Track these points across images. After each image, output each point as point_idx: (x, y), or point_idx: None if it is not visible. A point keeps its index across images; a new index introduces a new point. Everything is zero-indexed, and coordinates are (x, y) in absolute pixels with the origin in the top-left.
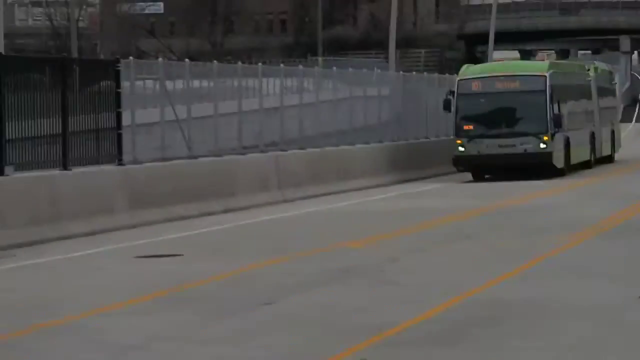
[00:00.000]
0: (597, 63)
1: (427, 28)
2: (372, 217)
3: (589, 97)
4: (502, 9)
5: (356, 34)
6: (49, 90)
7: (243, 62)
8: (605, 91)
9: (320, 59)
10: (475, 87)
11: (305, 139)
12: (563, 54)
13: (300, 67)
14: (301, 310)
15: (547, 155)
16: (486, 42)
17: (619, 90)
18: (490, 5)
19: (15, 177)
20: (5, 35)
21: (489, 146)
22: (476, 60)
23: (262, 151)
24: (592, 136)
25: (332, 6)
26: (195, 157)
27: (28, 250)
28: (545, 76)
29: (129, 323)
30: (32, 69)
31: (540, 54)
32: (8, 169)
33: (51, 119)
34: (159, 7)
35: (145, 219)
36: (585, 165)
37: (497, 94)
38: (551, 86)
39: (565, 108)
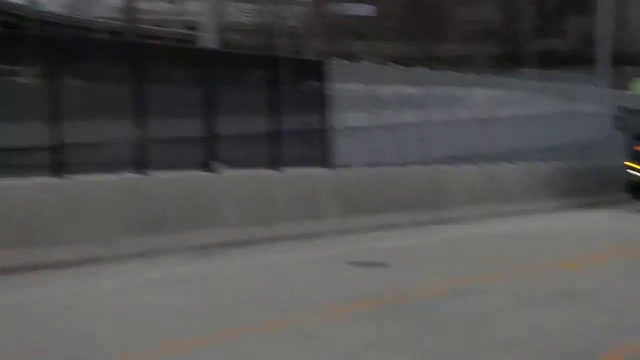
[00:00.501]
0: None
1: (638, 44)
2: (572, 238)
3: None
4: None
5: (566, 48)
6: (261, 87)
7: (451, 70)
8: None
9: (528, 70)
10: None
11: (517, 152)
12: None
13: (513, 79)
14: (516, 331)
15: None
16: None
17: None
18: None
19: (228, 175)
20: (217, 30)
21: None
22: None
23: (472, 163)
24: None
25: (544, 18)
26: (406, 165)
27: (241, 249)
28: None
29: (334, 330)
30: (244, 66)
31: None
32: (220, 166)
33: (261, 118)
34: (370, 9)
35: (356, 224)
36: None
37: None
38: None
39: None
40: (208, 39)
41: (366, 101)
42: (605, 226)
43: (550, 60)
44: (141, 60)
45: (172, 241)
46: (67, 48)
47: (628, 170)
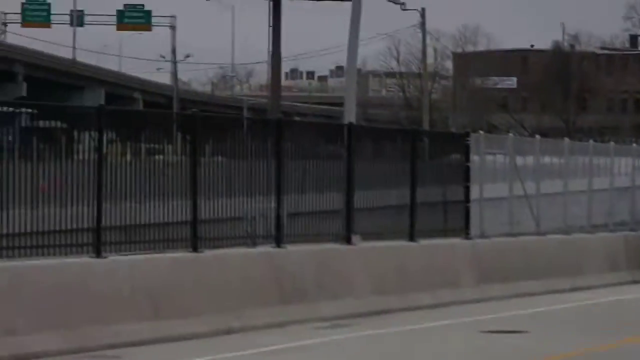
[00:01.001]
0: None
1: None
2: None
3: None
4: None
5: None
6: (398, 160)
7: (595, 140)
8: None
9: None
10: None
11: None
12: None
13: None
14: None
15: None
16: None
17: None
18: None
19: (362, 247)
20: (358, 105)
21: None
22: None
23: (611, 230)
24: None
25: None
26: (543, 234)
27: (372, 320)
28: None
29: None
30: (382, 139)
31: None
32: (355, 239)
33: (400, 190)
34: (513, 82)
35: (490, 293)
36: None
37: None
38: None
39: None
40: (350, 114)
41: (506, 172)
42: None
43: None
44: (280, 136)
45: (309, 312)
46: (207, 126)
47: None
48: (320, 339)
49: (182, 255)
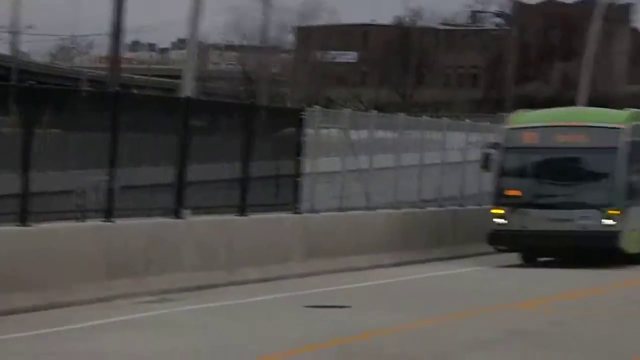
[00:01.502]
0: None
1: (620, 89)
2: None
3: None
4: None
5: (547, 92)
6: (233, 134)
7: (431, 115)
8: None
9: (507, 115)
10: (529, 139)
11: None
12: None
13: (488, 123)
14: None
15: (612, 236)
16: None
17: None
18: None
19: (192, 221)
20: (198, 78)
21: (538, 220)
22: None
23: (440, 205)
24: None
25: (526, 63)
26: (373, 209)
27: (200, 294)
28: (621, 129)
29: None
30: (218, 113)
31: None
32: (185, 213)
33: (232, 163)
34: (353, 56)
35: (319, 268)
36: None
37: (556, 150)
38: (629, 143)
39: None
40: (188, 87)
41: (340, 147)
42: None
43: (531, 104)
44: (116, 109)
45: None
46: (43, 98)
47: (494, 219)
48: (146, 313)
49: (9, 228)
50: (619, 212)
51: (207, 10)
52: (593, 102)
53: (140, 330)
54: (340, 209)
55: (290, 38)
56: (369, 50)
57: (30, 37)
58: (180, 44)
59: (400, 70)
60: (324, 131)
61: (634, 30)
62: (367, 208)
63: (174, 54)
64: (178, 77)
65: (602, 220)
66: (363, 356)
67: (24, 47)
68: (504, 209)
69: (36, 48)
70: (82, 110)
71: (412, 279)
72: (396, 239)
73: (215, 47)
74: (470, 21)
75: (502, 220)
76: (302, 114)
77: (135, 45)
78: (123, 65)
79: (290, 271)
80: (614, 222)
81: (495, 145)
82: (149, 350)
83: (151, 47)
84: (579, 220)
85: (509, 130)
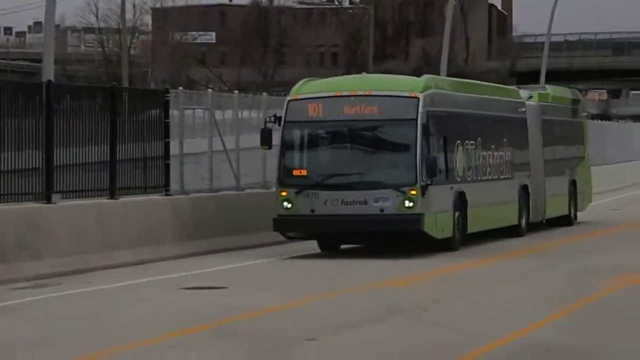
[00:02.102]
0: (550, 88)
1: (478, 64)
2: None
3: (520, 134)
4: (555, 47)
5: (408, 69)
6: (98, 118)
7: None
8: (563, 127)
9: None
10: (314, 111)
11: None
12: (615, 94)
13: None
14: (345, 347)
15: (413, 220)
16: (538, 80)
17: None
18: (542, 43)
19: (63, 205)
20: (57, 62)
21: (330, 202)
22: None
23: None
24: (524, 190)
25: (385, 40)
26: (242, 189)
27: (75, 279)
28: (418, 98)
29: (167, 357)
30: (81, 97)
31: (591, 94)
32: (55, 197)
33: (99, 147)
34: (211, 37)
35: (190, 250)
36: (513, 231)
37: (344, 123)
38: (428, 114)
39: (460, 148)
40: (49, 71)
41: (206, 128)
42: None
43: None
44: None
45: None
46: None
47: (282, 202)
48: (20, 299)
49: None
50: (419, 192)
51: None
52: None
53: (10, 317)
54: (210, 190)
55: (147, 19)
56: (227, 31)
57: None
58: (37, 27)
59: (261, 50)
60: (189, 112)
61: (491, 5)
62: (237, 189)
63: (30, 38)
64: (37, 60)
65: (405, 202)
66: (241, 337)
67: None
68: (288, 191)
69: None
70: None
71: (288, 257)
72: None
73: (73, 29)
74: (326, 0)
75: (287, 204)
76: (166, 96)
77: None
78: None
79: (163, 254)
80: (414, 204)
81: (276, 119)
82: (16, 338)
83: (7, 30)
84: (375, 203)
85: (291, 102)
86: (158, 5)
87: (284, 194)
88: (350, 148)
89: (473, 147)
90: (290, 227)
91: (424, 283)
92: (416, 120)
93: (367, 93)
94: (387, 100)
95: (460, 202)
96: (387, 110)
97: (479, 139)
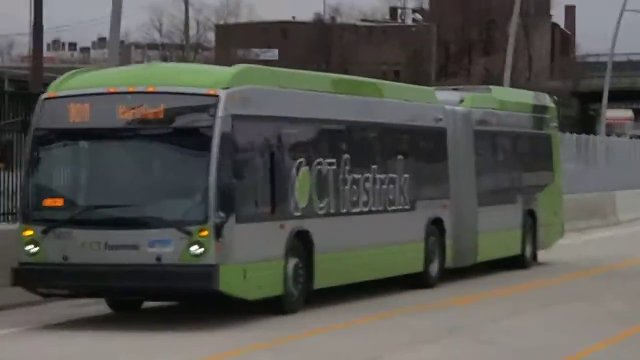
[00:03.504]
0: (496, 90)
1: (541, 84)
2: None
3: (430, 149)
4: (617, 67)
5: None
6: None
7: None
8: (515, 141)
9: None
10: (76, 115)
11: None
12: None
13: None
14: None
15: (204, 273)
16: (600, 100)
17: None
18: (605, 63)
19: None
20: None
21: (88, 246)
22: (589, 120)
23: None
24: (434, 225)
25: (447, 59)
26: None
27: None
28: (218, 97)
29: None
30: None
31: None
32: None
33: None
34: (274, 54)
35: None
36: (416, 281)
37: (117, 131)
38: (236, 119)
39: (305, 169)
40: None
41: None
42: None
43: None
44: None
45: None
46: None
47: (25, 245)
48: None
49: None
50: (212, 233)
51: (128, 9)
52: None
53: None
54: None
55: (210, 36)
56: (289, 48)
57: None
58: (101, 42)
59: (323, 67)
60: None
61: (554, 24)
62: None
63: (94, 53)
64: None
65: (186, 247)
66: None
67: None
68: (34, 229)
69: None
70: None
71: None
72: None
73: (137, 45)
74: (389, 17)
75: (32, 248)
76: None
77: (57, 44)
78: (45, 65)
79: None
80: (205, 250)
81: (23, 126)
82: None
83: (72, 46)
84: (150, 248)
85: (47, 102)
86: (221, 22)
87: (28, 233)
88: (120, 169)
89: (332, 167)
90: (35, 280)
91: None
92: (212, 128)
93: (150, 89)
94: (175, 99)
95: (301, 245)
96: (175, 113)
97: (345, 156)
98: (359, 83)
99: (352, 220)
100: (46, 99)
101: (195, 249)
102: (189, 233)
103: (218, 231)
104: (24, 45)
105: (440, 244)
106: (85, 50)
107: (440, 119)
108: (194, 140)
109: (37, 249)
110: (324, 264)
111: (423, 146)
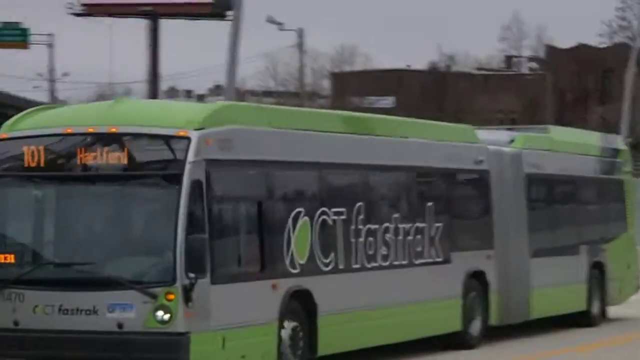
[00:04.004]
0: (555, 130)
1: None
2: None
3: (471, 195)
4: None
5: None
6: None
7: None
8: (578, 186)
9: None
10: (31, 159)
11: None
12: None
13: None
14: None
15: (171, 343)
16: None
17: None
18: None
19: None
20: None
21: (41, 310)
22: None
23: None
24: (476, 279)
25: (563, 107)
26: None
27: None
28: (189, 139)
29: None
30: None
31: None
32: None
33: None
34: (390, 102)
35: None
36: (455, 340)
37: (75, 178)
38: (211, 165)
39: (304, 220)
40: None
41: None
42: None
43: None
44: None
45: None
46: None
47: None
48: None
49: None
50: (179, 295)
51: (243, 57)
52: (634, 147)
53: None
54: None
55: (326, 83)
56: (404, 95)
57: (67, 85)
58: (217, 89)
59: (438, 114)
60: None
61: None
62: None
63: (211, 100)
64: None
65: (151, 312)
66: None
67: (61, 95)
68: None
69: (74, 95)
70: None
71: None
72: None
73: (252, 93)
74: (504, 65)
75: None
76: None
77: (172, 92)
78: None
79: None
80: (172, 316)
81: None
82: None
83: (188, 93)
84: (110, 312)
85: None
86: (337, 70)
87: None
88: (77, 221)
89: (341, 217)
90: None
91: None
92: (180, 175)
93: (112, 130)
94: (140, 141)
95: (300, 306)
96: (140, 158)
97: (359, 204)
98: (375, 121)
99: (366, 276)
100: None
101: (161, 314)
102: (153, 296)
103: (187, 294)
104: (140, 93)
105: (482, 299)
106: (201, 97)
107: (481, 161)
108: (161, 189)
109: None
110: (330, 327)
111: (459, 191)
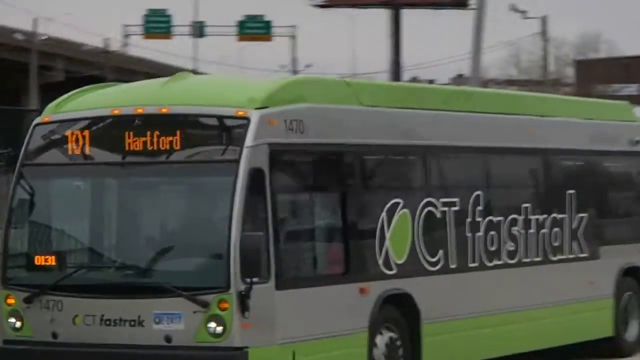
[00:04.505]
0: None
1: None
2: None
3: (627, 179)
4: None
5: None
6: None
7: None
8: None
9: None
10: (74, 146)
11: None
12: None
13: None
14: None
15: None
16: None
17: None
18: None
19: None
20: None
21: (82, 320)
22: None
23: None
24: (633, 275)
25: None
26: None
27: None
28: (248, 120)
29: None
30: None
31: None
32: None
33: None
34: (634, 89)
35: None
36: (606, 348)
37: (120, 168)
38: (274, 151)
39: (403, 213)
40: None
41: None
42: None
43: None
44: None
45: None
46: None
47: (8, 317)
48: None
49: None
50: (234, 303)
51: (485, 45)
52: None
53: None
54: None
55: (570, 72)
56: None
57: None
58: (459, 79)
59: None
60: None
61: None
62: None
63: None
64: None
65: (203, 324)
66: None
67: None
68: (17, 297)
69: None
70: None
71: None
72: None
73: (495, 81)
74: None
75: (16, 322)
76: None
77: (415, 82)
78: None
79: None
80: (225, 328)
81: (7, 160)
82: None
83: (430, 83)
84: (156, 324)
85: (38, 128)
86: (581, 58)
87: (10, 301)
88: (122, 219)
89: (453, 208)
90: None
91: None
92: (237, 162)
93: (162, 111)
94: (192, 123)
95: (399, 314)
96: (192, 143)
97: (477, 193)
98: (505, 98)
99: (486, 276)
100: (37, 124)
101: (213, 326)
102: (204, 304)
103: (243, 302)
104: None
105: (634, 300)
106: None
107: (638, 142)
108: (214, 179)
109: (20, 323)
110: (437, 337)
111: (610, 176)
